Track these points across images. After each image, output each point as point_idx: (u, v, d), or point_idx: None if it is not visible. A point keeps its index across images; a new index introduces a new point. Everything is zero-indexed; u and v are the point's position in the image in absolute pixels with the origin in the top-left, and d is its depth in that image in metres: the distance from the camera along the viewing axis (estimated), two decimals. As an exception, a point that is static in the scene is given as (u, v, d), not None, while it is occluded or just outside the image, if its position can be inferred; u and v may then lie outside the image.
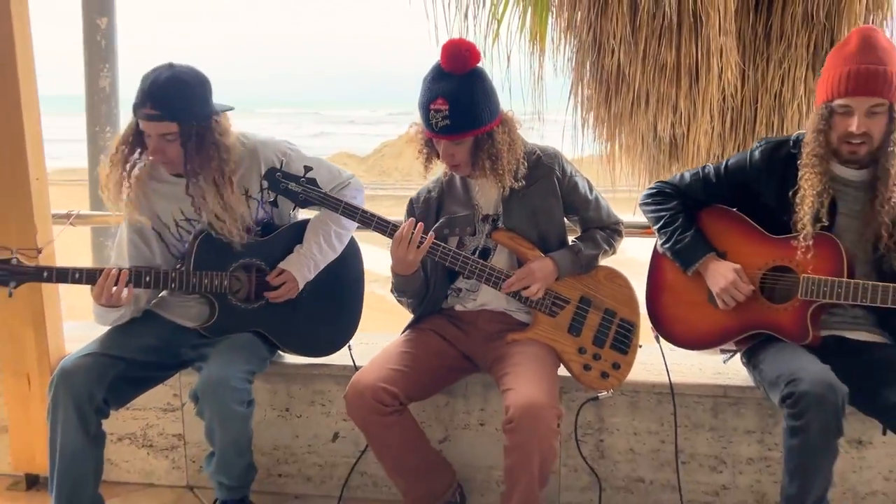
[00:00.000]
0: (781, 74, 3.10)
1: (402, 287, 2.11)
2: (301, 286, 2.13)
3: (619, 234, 2.18)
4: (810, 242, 1.87)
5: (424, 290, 2.12)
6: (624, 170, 3.68)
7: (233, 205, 2.04)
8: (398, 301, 2.19)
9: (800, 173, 1.91)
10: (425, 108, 1.95)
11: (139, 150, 2.01)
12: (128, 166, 1.99)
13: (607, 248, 2.12)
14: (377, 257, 2.60)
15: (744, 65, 3.12)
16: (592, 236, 2.12)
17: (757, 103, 3.17)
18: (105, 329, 2.10)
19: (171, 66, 1.98)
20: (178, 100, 1.93)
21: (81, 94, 5.38)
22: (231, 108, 2.09)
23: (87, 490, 1.92)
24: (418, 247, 1.94)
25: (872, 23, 3.06)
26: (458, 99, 1.92)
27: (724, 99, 3.16)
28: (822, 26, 3.02)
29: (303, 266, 2.11)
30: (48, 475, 1.95)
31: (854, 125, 1.80)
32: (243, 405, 1.94)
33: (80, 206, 2.94)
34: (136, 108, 1.95)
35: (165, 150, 1.96)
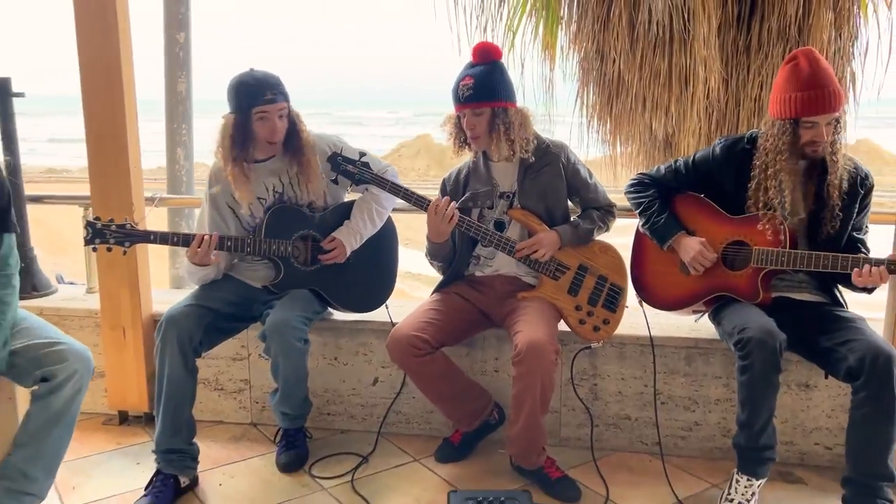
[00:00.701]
0: (760, 81, 3.55)
1: (434, 252, 2.59)
2: (348, 253, 2.61)
3: (612, 215, 2.65)
4: (777, 222, 2.28)
5: (452, 255, 2.60)
6: (624, 165, 4.14)
7: (311, 178, 2.55)
8: (431, 264, 2.67)
9: (758, 169, 2.31)
10: (456, 87, 2.47)
11: (245, 142, 2.50)
12: (233, 159, 2.50)
13: (601, 225, 2.59)
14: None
15: (727, 73, 3.57)
16: (590, 215, 2.59)
17: (739, 107, 3.63)
18: (185, 291, 2.60)
19: (252, 69, 2.49)
20: (279, 86, 2.46)
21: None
22: None
23: (185, 411, 2.41)
24: (449, 220, 2.41)
25: (839, 37, 3.51)
26: (481, 77, 2.44)
27: (710, 103, 3.61)
28: (795, 40, 3.47)
29: (351, 237, 2.60)
30: (155, 401, 2.43)
31: (821, 135, 2.22)
32: (301, 342, 2.42)
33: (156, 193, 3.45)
34: (254, 102, 2.41)
35: (280, 128, 2.47)
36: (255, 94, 2.42)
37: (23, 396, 2.16)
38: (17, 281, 2.09)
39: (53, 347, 2.02)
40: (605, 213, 2.62)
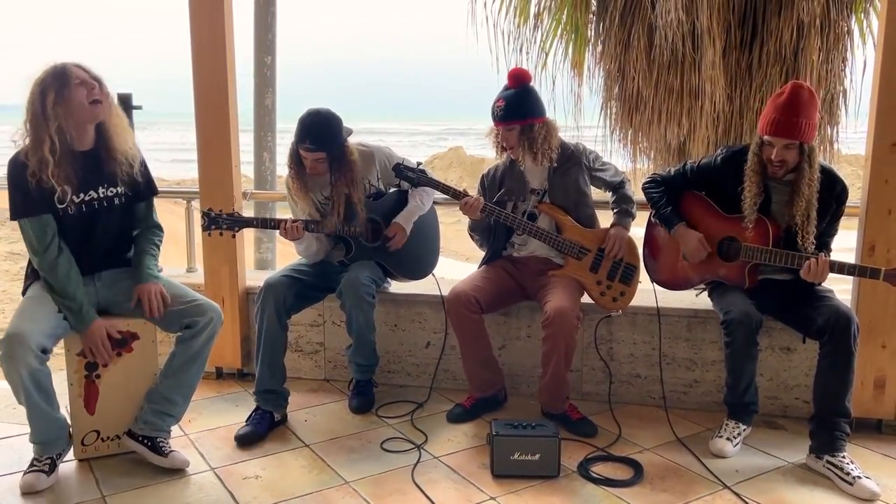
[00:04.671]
0: (760, 97, 4.06)
1: (473, 226, 3.18)
2: (407, 232, 3.14)
3: (631, 194, 3.12)
4: (752, 224, 2.73)
5: (489, 232, 3.17)
6: (642, 170, 4.68)
7: (355, 201, 3.06)
8: (471, 238, 3.26)
9: (746, 178, 2.75)
10: (493, 107, 3.04)
11: (299, 167, 3.05)
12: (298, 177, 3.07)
13: (632, 194, 3.11)
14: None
15: (731, 90, 4.10)
16: (622, 197, 3.08)
17: (742, 118, 4.15)
18: (267, 272, 3.19)
19: (318, 112, 2.99)
20: (325, 137, 2.96)
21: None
22: (351, 132, 3.11)
23: (279, 360, 3.01)
24: (474, 210, 2.97)
25: (830, 60, 4.02)
26: (511, 100, 3.00)
27: (716, 115, 4.14)
28: (791, 61, 3.99)
29: (407, 221, 3.15)
30: (255, 353, 3.03)
31: (777, 155, 2.63)
32: (370, 297, 3.00)
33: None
34: (299, 142, 2.97)
35: (318, 168, 3.02)
36: (301, 137, 2.95)
37: (160, 340, 2.78)
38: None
39: (194, 302, 2.65)
40: (628, 199, 3.11)
